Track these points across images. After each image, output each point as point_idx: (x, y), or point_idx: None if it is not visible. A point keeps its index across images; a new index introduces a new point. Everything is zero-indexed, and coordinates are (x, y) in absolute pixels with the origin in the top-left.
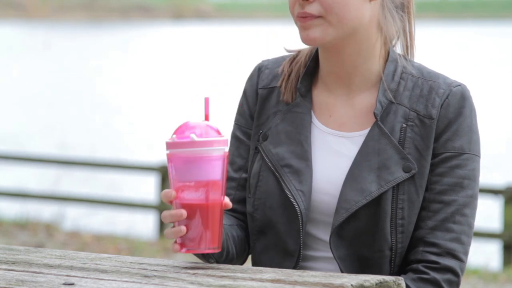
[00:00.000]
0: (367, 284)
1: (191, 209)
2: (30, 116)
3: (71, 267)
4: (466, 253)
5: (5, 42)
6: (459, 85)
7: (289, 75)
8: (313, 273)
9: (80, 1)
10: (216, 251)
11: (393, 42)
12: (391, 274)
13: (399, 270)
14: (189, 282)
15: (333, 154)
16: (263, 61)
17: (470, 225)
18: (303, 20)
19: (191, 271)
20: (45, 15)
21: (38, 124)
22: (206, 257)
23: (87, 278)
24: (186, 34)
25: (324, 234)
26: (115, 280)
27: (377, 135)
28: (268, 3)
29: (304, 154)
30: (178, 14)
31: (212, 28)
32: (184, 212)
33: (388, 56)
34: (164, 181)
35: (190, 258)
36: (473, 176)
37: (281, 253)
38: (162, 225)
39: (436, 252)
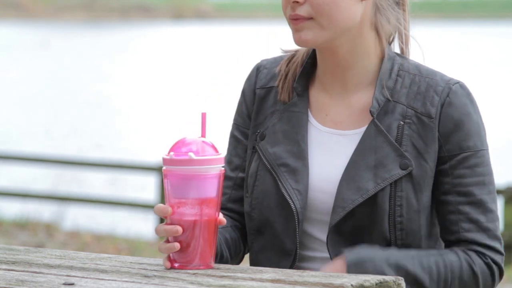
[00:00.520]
0: (367, 284)
1: (186, 225)
2: (29, 116)
3: (71, 267)
4: (500, 239)
5: (5, 42)
6: (457, 83)
7: (286, 75)
8: (313, 273)
9: (80, 1)
10: (209, 267)
11: (390, 39)
12: None
13: None
14: (189, 282)
15: (329, 153)
16: (261, 61)
17: (494, 212)
18: (295, 22)
19: (191, 271)
20: (45, 15)
21: (38, 124)
22: None
23: (87, 278)
24: (186, 34)
25: (321, 233)
26: (115, 280)
27: (373, 133)
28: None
29: (301, 153)
30: (178, 14)
31: (212, 28)
32: (179, 229)
33: (384, 54)
34: None
35: None
36: (490, 170)
37: (278, 253)
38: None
39: (478, 251)
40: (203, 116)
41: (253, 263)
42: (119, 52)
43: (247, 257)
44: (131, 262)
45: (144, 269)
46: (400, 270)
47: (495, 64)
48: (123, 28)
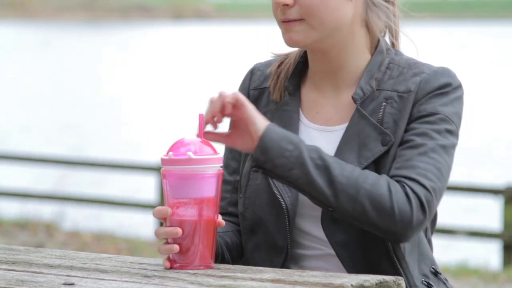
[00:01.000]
0: (367, 284)
1: (185, 225)
2: (29, 115)
3: (71, 267)
4: (434, 189)
5: (4, 42)
6: (442, 67)
7: (278, 76)
8: (313, 273)
9: (80, 1)
10: (209, 267)
11: (381, 35)
12: (389, 250)
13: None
14: (189, 282)
15: None
16: (255, 64)
17: (440, 170)
18: (285, 24)
19: (191, 271)
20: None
21: (38, 124)
22: None
23: (87, 278)
24: (186, 34)
25: (314, 228)
26: (115, 280)
27: (357, 119)
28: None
29: None
30: (178, 14)
31: (212, 28)
32: (179, 231)
33: (376, 49)
34: None
35: None
36: (444, 133)
37: (270, 251)
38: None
39: (400, 180)
40: (200, 117)
41: (246, 262)
42: (119, 52)
43: None
44: (131, 262)
45: (144, 269)
46: (313, 150)
47: (495, 64)
48: (123, 28)
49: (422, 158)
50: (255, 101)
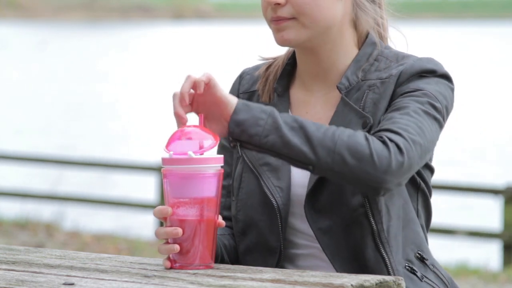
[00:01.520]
0: (367, 284)
1: (186, 225)
2: (29, 115)
3: (71, 267)
4: (413, 140)
5: (4, 42)
6: (428, 56)
7: (266, 78)
8: (313, 273)
9: (80, 1)
10: (209, 267)
11: (368, 32)
12: (374, 233)
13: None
14: (189, 282)
15: None
16: (244, 69)
17: (422, 129)
18: (276, 23)
19: (191, 271)
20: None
21: (38, 124)
22: None
23: (87, 278)
24: (186, 34)
25: (308, 226)
26: (115, 280)
27: (341, 107)
28: None
29: None
30: (178, 14)
31: (212, 28)
32: (180, 231)
33: (364, 42)
34: None
35: None
36: (427, 105)
37: (264, 252)
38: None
39: (379, 133)
40: (200, 117)
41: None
42: (119, 52)
43: None
44: (131, 262)
45: (144, 269)
46: (288, 116)
47: (495, 64)
48: (123, 28)
49: (404, 116)
50: None
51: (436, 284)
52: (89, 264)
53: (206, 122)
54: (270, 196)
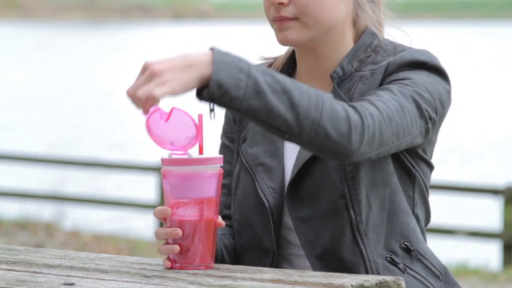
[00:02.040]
0: (367, 284)
1: (185, 225)
2: (29, 115)
3: (71, 267)
4: (388, 116)
5: (4, 42)
6: (423, 49)
7: None
8: (313, 273)
9: (80, 1)
10: (209, 267)
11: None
12: (352, 224)
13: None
14: (189, 282)
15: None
16: None
17: (402, 107)
18: (279, 22)
19: (191, 271)
20: (45, 15)
21: (38, 124)
22: None
23: (87, 278)
24: (186, 34)
25: None
26: (115, 280)
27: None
28: None
29: (276, 152)
30: (178, 14)
31: (212, 28)
32: (179, 231)
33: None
34: None
35: None
36: (414, 94)
37: (258, 252)
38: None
39: (360, 101)
40: (200, 117)
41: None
42: (119, 52)
43: None
44: (131, 262)
45: (144, 269)
46: (267, 74)
47: (495, 64)
48: (123, 28)
49: (387, 92)
50: None
51: (422, 276)
52: (89, 264)
53: None
54: (263, 197)
